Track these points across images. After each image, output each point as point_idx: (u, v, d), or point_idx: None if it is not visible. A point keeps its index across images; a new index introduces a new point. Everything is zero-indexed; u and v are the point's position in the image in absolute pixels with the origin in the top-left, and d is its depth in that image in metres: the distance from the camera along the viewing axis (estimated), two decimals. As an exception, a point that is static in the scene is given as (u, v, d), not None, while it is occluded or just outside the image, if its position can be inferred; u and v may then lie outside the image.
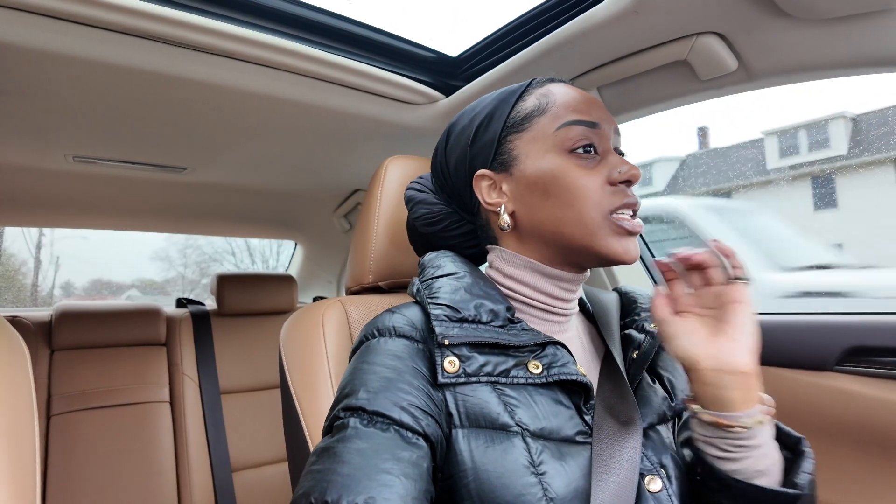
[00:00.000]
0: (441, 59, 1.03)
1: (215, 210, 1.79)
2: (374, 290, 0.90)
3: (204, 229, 1.98)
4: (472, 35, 0.98)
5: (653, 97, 0.90)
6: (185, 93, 0.94)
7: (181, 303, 1.90)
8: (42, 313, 1.62)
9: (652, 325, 0.63)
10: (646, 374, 0.62)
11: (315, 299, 2.15)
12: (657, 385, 0.63)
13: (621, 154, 0.60)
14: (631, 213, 0.56)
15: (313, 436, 0.68)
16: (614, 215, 0.54)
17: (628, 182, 0.56)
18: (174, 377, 1.65)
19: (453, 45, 1.02)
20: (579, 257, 0.57)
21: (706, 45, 0.76)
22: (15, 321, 1.51)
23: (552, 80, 0.62)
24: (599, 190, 0.55)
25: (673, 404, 0.62)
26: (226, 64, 0.87)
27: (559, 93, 0.59)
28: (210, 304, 1.92)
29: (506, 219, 0.59)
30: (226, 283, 1.82)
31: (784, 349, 0.95)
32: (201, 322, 1.76)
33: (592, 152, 0.56)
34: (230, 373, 1.73)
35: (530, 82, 0.62)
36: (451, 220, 0.67)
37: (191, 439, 1.57)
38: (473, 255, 0.68)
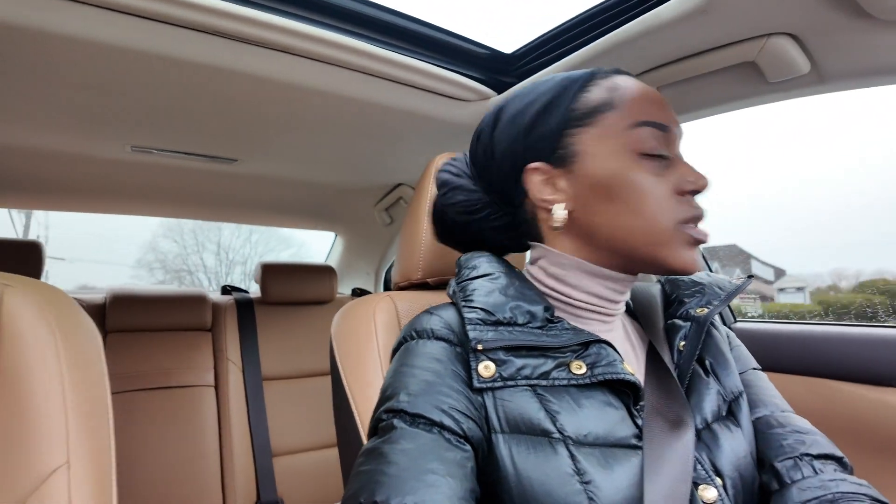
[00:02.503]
0: (494, 55, 1.03)
1: (262, 200, 1.82)
2: (421, 286, 0.90)
3: (250, 219, 2.02)
4: (529, 32, 0.96)
5: (716, 98, 0.87)
6: (239, 86, 0.96)
7: (226, 290, 1.95)
8: (96, 296, 1.68)
9: (698, 311, 0.59)
10: (698, 367, 0.58)
11: (354, 290, 2.18)
12: (711, 378, 0.58)
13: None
14: (696, 223, 0.53)
15: (366, 426, 0.69)
16: (685, 226, 0.52)
17: (695, 192, 0.53)
18: (219, 362, 1.70)
19: (507, 41, 1.01)
20: (640, 266, 0.54)
21: (777, 47, 0.73)
22: None
23: (618, 73, 0.57)
24: (669, 198, 0.52)
25: (726, 398, 0.57)
26: (280, 58, 0.89)
27: (629, 88, 0.55)
28: (254, 292, 1.97)
29: (561, 217, 0.55)
30: (269, 272, 1.86)
31: (844, 362, 0.91)
32: (245, 309, 1.81)
33: (662, 156, 0.53)
34: (272, 360, 1.77)
35: (594, 72, 0.57)
36: (490, 209, 0.63)
37: (234, 423, 1.62)
38: (507, 247, 0.66)
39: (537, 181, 0.57)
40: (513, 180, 0.59)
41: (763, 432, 0.57)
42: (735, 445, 0.53)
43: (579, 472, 0.46)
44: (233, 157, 1.39)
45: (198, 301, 1.74)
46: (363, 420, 0.70)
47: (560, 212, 0.55)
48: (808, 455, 0.54)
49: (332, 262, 2.36)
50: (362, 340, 0.78)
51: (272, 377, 1.76)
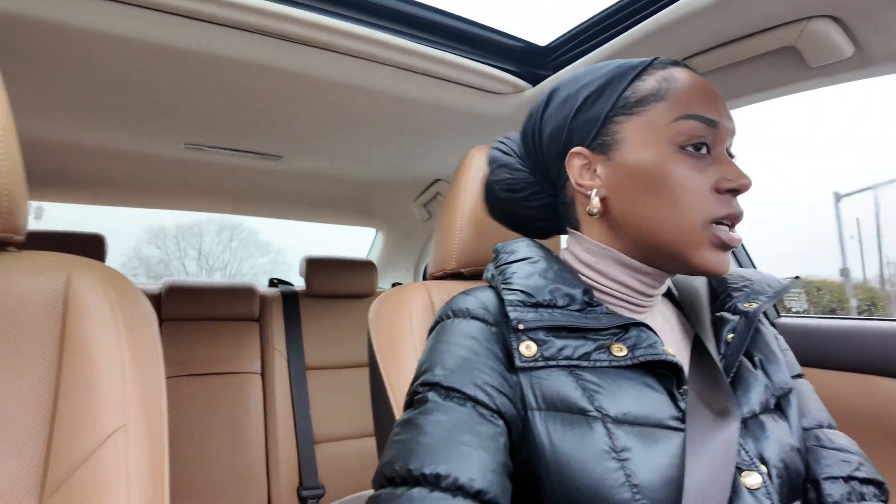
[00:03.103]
0: (529, 48, 1.03)
1: (305, 197, 1.89)
2: (456, 276, 0.92)
3: (293, 214, 2.10)
4: (563, 23, 0.97)
5: (755, 86, 0.85)
6: (286, 84, 1.00)
7: (273, 283, 2.03)
8: (153, 286, 1.79)
9: (746, 305, 0.58)
10: (745, 359, 0.57)
11: (393, 285, 2.22)
12: (759, 372, 0.57)
13: (732, 156, 0.56)
14: (729, 224, 0.52)
15: (400, 410, 0.72)
16: (714, 225, 0.51)
17: (735, 191, 0.52)
18: (265, 351, 1.78)
19: (542, 33, 1.02)
20: (666, 262, 0.54)
21: (818, 30, 0.71)
22: None
23: (676, 64, 0.56)
24: (705, 195, 0.51)
25: (775, 393, 0.57)
26: (325, 56, 0.92)
27: (683, 79, 0.54)
28: (299, 285, 2.05)
29: (596, 203, 0.55)
30: (313, 266, 1.92)
31: (893, 359, 0.88)
32: (290, 301, 1.88)
33: (704, 151, 0.52)
34: (315, 350, 1.84)
35: (653, 61, 0.57)
36: (532, 189, 0.64)
37: (278, 410, 1.69)
38: (546, 228, 0.67)
39: (577, 165, 0.57)
40: (556, 162, 0.60)
41: (809, 446, 0.58)
42: (782, 436, 0.52)
43: (616, 449, 0.46)
44: (278, 153, 1.44)
45: (246, 293, 1.81)
46: (398, 404, 0.72)
47: (594, 198, 0.56)
48: (854, 479, 0.54)
49: (373, 258, 2.41)
50: (398, 328, 0.80)
51: (315, 367, 1.82)
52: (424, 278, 2.27)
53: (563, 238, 0.65)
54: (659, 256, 0.54)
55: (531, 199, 0.65)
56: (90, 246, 1.59)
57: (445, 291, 0.86)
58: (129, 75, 0.95)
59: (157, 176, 1.59)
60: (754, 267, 1.21)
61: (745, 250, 1.26)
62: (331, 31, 0.86)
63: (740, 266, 1.22)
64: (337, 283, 1.95)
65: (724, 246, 0.51)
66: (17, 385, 0.52)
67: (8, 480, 0.49)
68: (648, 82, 0.54)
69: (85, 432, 0.51)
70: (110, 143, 1.33)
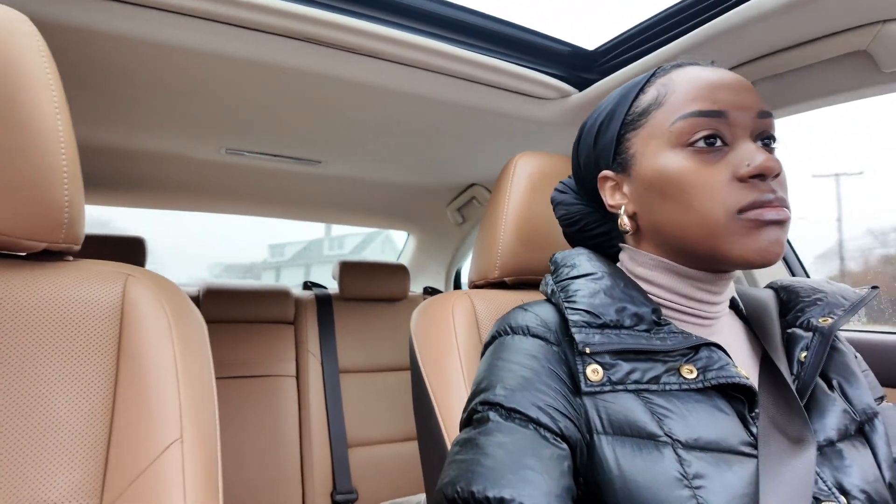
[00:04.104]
0: (576, 52, 1.01)
1: (341, 200, 1.90)
2: (498, 285, 0.91)
3: (330, 218, 2.11)
4: (613, 27, 0.94)
5: (820, 91, 0.81)
6: (326, 90, 1.00)
7: (307, 286, 2.05)
8: (191, 289, 1.82)
9: (822, 320, 0.55)
10: (820, 380, 0.54)
11: (425, 289, 2.22)
12: (837, 395, 0.54)
13: (769, 141, 0.52)
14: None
15: (447, 424, 0.71)
16: (745, 214, 0.48)
17: (762, 176, 0.48)
18: (300, 354, 1.79)
19: (591, 38, 0.99)
20: (710, 262, 0.52)
21: (893, 34, 0.68)
22: None
23: (681, 65, 0.56)
24: (724, 187, 0.48)
25: (855, 417, 0.53)
26: (365, 62, 0.92)
27: (681, 80, 0.53)
28: (332, 288, 2.06)
29: (625, 221, 0.56)
30: (347, 270, 1.93)
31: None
32: (324, 304, 1.89)
33: (718, 143, 0.50)
34: (349, 353, 1.84)
35: (656, 71, 0.57)
36: (588, 220, 0.66)
37: (313, 413, 1.70)
38: (616, 253, 0.65)
39: (608, 188, 0.59)
40: (597, 188, 0.61)
41: None
42: (865, 466, 0.49)
43: (687, 476, 0.44)
44: (317, 159, 1.45)
45: (282, 296, 1.83)
46: (444, 417, 0.71)
47: (623, 216, 0.56)
48: None
49: (405, 261, 2.41)
50: (442, 339, 0.79)
51: (349, 370, 1.83)
52: (457, 282, 2.26)
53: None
54: (700, 258, 0.52)
55: (589, 228, 0.66)
56: (131, 249, 1.63)
57: (488, 301, 0.84)
58: (176, 83, 0.97)
59: (198, 179, 1.61)
60: (807, 275, 1.16)
61: (795, 255, 1.20)
62: (371, 36, 0.85)
63: (793, 275, 1.17)
64: (370, 286, 1.95)
65: (765, 223, 0.47)
66: (77, 395, 0.52)
67: (68, 491, 0.49)
68: (649, 93, 0.55)
69: (143, 444, 0.51)
70: (154, 148, 1.36)
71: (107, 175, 1.54)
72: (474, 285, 0.93)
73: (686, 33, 0.80)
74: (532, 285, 0.92)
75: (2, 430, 0.49)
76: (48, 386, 0.51)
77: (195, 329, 0.61)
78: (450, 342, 0.78)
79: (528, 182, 0.86)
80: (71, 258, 0.62)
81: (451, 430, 0.70)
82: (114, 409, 0.53)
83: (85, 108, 1.09)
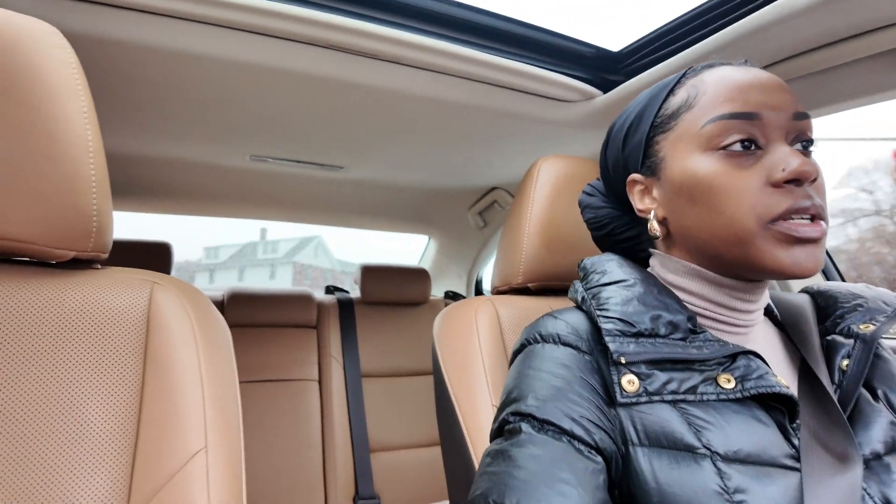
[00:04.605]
0: (600, 54, 1.00)
1: (362, 205, 1.90)
2: (521, 290, 0.89)
3: (351, 222, 2.12)
4: (639, 28, 0.92)
5: (853, 91, 0.78)
6: (348, 96, 1.00)
7: (329, 290, 2.06)
8: (216, 293, 1.84)
9: (863, 327, 0.52)
10: (864, 390, 0.52)
11: (446, 293, 2.21)
12: (882, 405, 0.51)
13: (806, 144, 0.50)
14: (808, 217, 0.46)
15: (471, 431, 0.70)
16: (779, 223, 0.46)
17: (798, 181, 0.46)
18: (322, 358, 1.80)
19: (615, 39, 0.97)
20: (741, 270, 0.50)
21: None
22: None
23: (712, 66, 0.54)
24: (757, 192, 0.46)
25: None
26: (387, 68, 0.92)
27: (712, 81, 0.51)
28: (354, 292, 2.06)
29: (655, 226, 0.55)
30: (369, 274, 1.93)
31: None
32: (346, 308, 1.89)
33: (752, 147, 0.48)
34: (370, 357, 1.84)
35: (686, 71, 0.55)
36: (616, 223, 0.64)
37: (335, 417, 1.70)
38: (645, 258, 0.64)
39: (636, 192, 0.58)
40: (625, 191, 0.60)
41: None
42: None
43: (728, 489, 0.43)
44: (339, 164, 1.46)
45: (305, 300, 1.84)
46: (468, 424, 0.71)
47: (653, 221, 0.55)
48: None
49: (426, 265, 2.41)
50: (465, 345, 0.78)
51: (371, 374, 1.83)
52: (478, 286, 2.24)
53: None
54: (731, 265, 0.50)
55: (618, 232, 0.65)
56: (157, 254, 1.66)
57: (512, 307, 0.83)
58: (202, 92, 0.98)
59: (222, 186, 1.64)
60: (842, 279, 1.12)
61: (830, 259, 1.16)
62: (395, 42, 0.85)
63: (827, 279, 1.13)
64: (391, 290, 1.95)
65: (798, 240, 0.46)
66: (105, 402, 0.53)
67: (95, 497, 0.49)
68: (679, 95, 0.54)
69: (168, 452, 0.51)
70: (180, 155, 1.38)
71: (134, 182, 1.57)
72: (497, 291, 0.92)
73: (713, 33, 0.78)
74: (557, 291, 0.90)
75: (32, 435, 0.49)
76: (78, 392, 0.52)
77: (220, 335, 0.62)
78: (473, 348, 0.77)
79: (553, 186, 0.85)
80: (99, 266, 0.63)
81: (474, 436, 0.69)
82: (140, 417, 0.53)
83: (114, 118, 1.11)
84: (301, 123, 1.15)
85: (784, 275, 0.47)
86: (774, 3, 0.69)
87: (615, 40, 0.99)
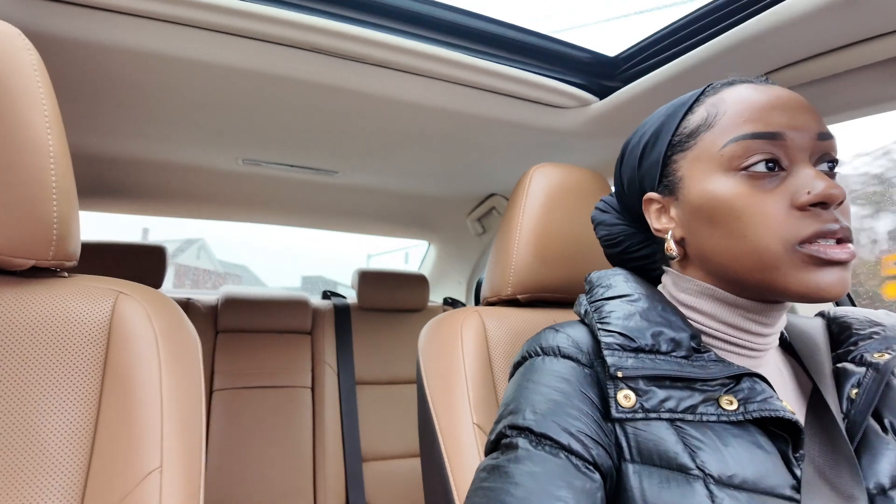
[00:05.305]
0: (596, 59, 0.97)
1: (359, 210, 1.88)
2: (511, 302, 0.87)
3: (348, 227, 2.10)
4: (635, 33, 0.90)
5: (859, 100, 0.75)
6: (341, 101, 0.98)
7: (326, 295, 2.03)
8: (211, 297, 1.82)
9: (876, 356, 0.50)
10: (872, 421, 0.50)
11: (445, 300, 2.18)
12: (890, 436, 0.49)
13: (832, 164, 0.48)
14: (834, 241, 0.44)
15: (449, 450, 0.67)
16: (806, 246, 0.44)
17: (824, 204, 0.44)
18: (316, 365, 1.77)
19: (612, 44, 0.94)
20: (764, 293, 0.48)
21: None
22: (189, 304, 1.72)
23: (732, 83, 0.52)
24: (782, 216, 0.45)
25: None
26: (380, 73, 0.90)
27: (733, 100, 0.50)
28: (350, 298, 2.04)
29: (672, 246, 0.53)
30: (366, 279, 1.91)
31: None
32: (342, 314, 1.87)
33: (776, 169, 0.46)
34: (366, 365, 1.82)
35: (705, 89, 0.54)
36: (631, 241, 0.63)
37: (327, 426, 1.67)
38: (658, 276, 0.62)
39: (653, 211, 0.56)
40: (640, 209, 0.59)
41: None
42: None
43: None
44: (333, 169, 1.44)
45: (300, 305, 1.82)
46: (446, 442, 0.68)
47: (670, 241, 0.53)
48: None
49: (425, 271, 2.38)
50: (449, 359, 0.76)
51: (365, 381, 1.80)
52: (478, 292, 2.21)
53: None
54: (752, 289, 0.48)
55: (632, 250, 0.63)
56: (152, 258, 1.64)
57: (499, 319, 0.80)
58: (192, 95, 0.96)
59: (215, 189, 1.62)
60: (853, 304, 1.08)
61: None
62: (388, 47, 0.83)
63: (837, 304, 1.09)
64: (388, 296, 1.92)
65: (826, 263, 0.44)
66: (60, 418, 0.50)
67: None
68: (698, 113, 0.52)
69: (122, 472, 0.49)
70: (171, 158, 1.37)
71: (126, 185, 1.56)
72: (487, 302, 0.89)
73: (710, 39, 0.75)
74: (547, 304, 0.87)
75: None
76: (32, 406, 0.50)
77: (187, 347, 0.59)
78: (457, 363, 0.75)
79: (545, 195, 0.82)
80: (66, 274, 0.61)
81: (452, 456, 0.67)
82: (96, 434, 0.51)
83: (103, 121, 1.10)
84: (292, 128, 1.13)
85: (810, 298, 0.45)
86: (772, 9, 0.66)
87: (612, 46, 0.96)
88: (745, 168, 0.47)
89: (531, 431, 0.47)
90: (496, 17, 0.92)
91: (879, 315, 0.57)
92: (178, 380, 0.55)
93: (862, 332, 0.54)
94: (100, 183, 1.52)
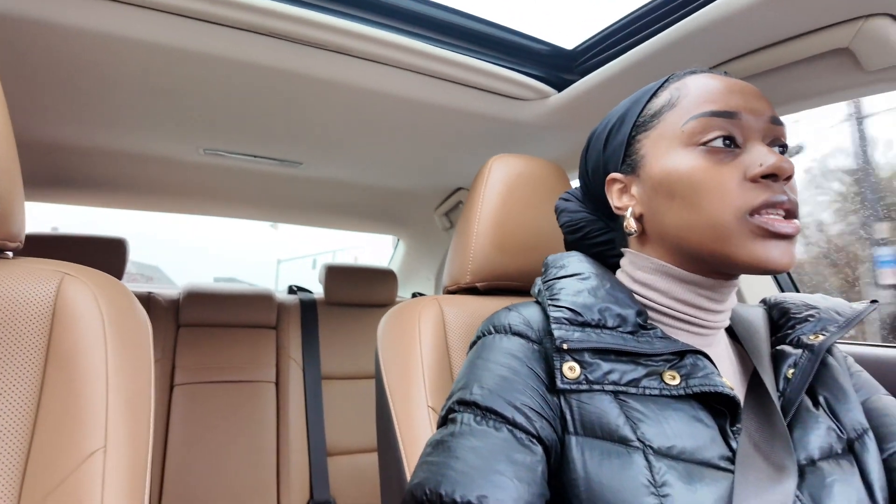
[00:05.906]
0: (555, 51, 0.98)
1: (325, 203, 1.87)
2: (470, 290, 0.88)
3: (313, 221, 2.08)
4: (591, 26, 0.92)
5: (804, 91, 0.78)
6: (304, 89, 0.97)
7: (292, 290, 2.01)
8: (173, 292, 1.78)
9: (811, 337, 0.54)
10: (806, 398, 0.53)
11: (414, 295, 2.19)
12: (822, 412, 0.52)
13: (782, 149, 0.52)
14: (782, 213, 0.47)
15: (403, 431, 0.68)
16: (756, 217, 0.46)
17: (774, 177, 0.47)
18: (281, 360, 1.75)
19: (569, 37, 0.97)
20: (716, 265, 0.50)
21: (875, 30, 0.65)
22: (150, 298, 1.68)
23: (694, 72, 0.56)
24: (736, 187, 0.47)
25: (842, 435, 0.51)
26: (343, 61, 0.89)
27: (694, 85, 0.53)
28: (318, 292, 2.02)
29: (631, 222, 0.55)
30: (333, 274, 1.89)
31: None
32: (309, 309, 1.85)
33: (731, 146, 0.49)
34: (332, 360, 1.80)
35: (669, 77, 0.58)
36: (591, 227, 0.65)
37: (292, 420, 1.65)
38: (616, 264, 0.64)
39: (615, 190, 0.58)
40: (604, 194, 0.61)
41: None
42: (848, 490, 0.47)
43: (656, 483, 0.43)
44: (298, 160, 1.42)
45: (265, 300, 1.80)
46: (402, 429, 0.68)
47: (629, 218, 0.55)
48: None
49: (394, 266, 2.38)
50: (406, 345, 0.76)
51: (331, 376, 1.79)
52: (447, 288, 2.22)
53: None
54: (706, 261, 0.50)
55: (592, 236, 0.65)
56: (112, 250, 1.60)
57: (459, 307, 0.81)
58: (148, 80, 0.94)
59: (177, 180, 1.59)
60: (796, 290, 1.12)
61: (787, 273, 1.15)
62: (350, 35, 0.83)
63: (781, 290, 1.13)
64: (356, 291, 1.91)
65: (774, 235, 0.46)
66: None
67: None
68: (662, 97, 0.55)
69: (64, 453, 0.48)
70: (130, 148, 1.33)
71: (81, 175, 1.51)
72: (447, 291, 0.90)
73: (663, 30, 0.77)
74: (506, 292, 0.88)
75: None
76: None
77: (136, 330, 0.58)
78: (414, 350, 0.75)
79: (504, 185, 0.83)
80: (10, 255, 0.59)
81: (407, 443, 0.67)
82: (37, 416, 0.49)
83: (57, 106, 1.06)
84: (254, 116, 1.12)
85: (759, 269, 0.47)
86: (720, 0, 0.68)
87: (569, 38, 0.98)
88: (704, 143, 0.50)
89: (477, 406, 0.48)
90: (457, 7, 0.92)
91: (815, 299, 0.60)
92: (125, 361, 0.54)
93: (798, 316, 0.58)
94: (52, 172, 1.47)
